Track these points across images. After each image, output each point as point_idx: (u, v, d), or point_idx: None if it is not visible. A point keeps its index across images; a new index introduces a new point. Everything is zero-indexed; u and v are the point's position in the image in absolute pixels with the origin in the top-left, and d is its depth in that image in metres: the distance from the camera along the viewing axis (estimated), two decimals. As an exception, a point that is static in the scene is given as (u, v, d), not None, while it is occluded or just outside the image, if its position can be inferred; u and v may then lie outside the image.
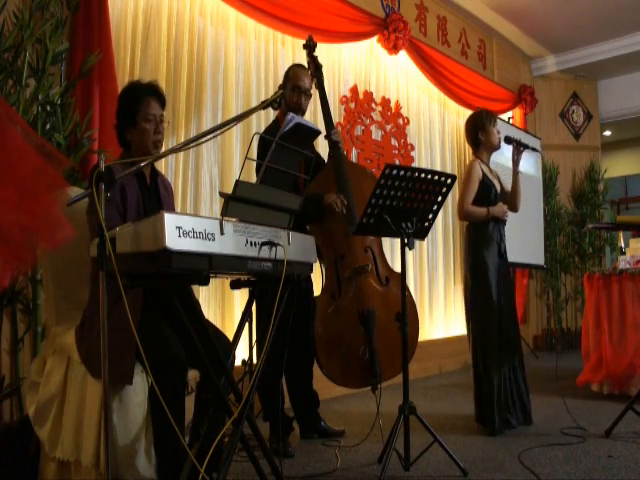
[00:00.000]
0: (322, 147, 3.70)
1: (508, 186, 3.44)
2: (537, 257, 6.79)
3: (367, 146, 5.13)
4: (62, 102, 2.82)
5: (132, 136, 2.21)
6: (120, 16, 3.36)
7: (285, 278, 1.90)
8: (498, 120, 3.51)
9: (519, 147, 3.32)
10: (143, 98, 2.20)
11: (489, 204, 3.26)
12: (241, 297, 3.81)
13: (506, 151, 3.64)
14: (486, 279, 3.20)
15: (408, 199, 2.54)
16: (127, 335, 1.87)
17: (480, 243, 3.26)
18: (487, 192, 3.27)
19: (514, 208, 3.40)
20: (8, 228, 1.56)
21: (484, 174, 3.28)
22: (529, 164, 6.66)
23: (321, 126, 2.93)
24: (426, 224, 2.68)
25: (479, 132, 3.34)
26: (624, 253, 4.38)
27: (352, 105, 4.99)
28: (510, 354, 3.23)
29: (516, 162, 3.34)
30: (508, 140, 3.32)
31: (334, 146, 3.15)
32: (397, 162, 5.40)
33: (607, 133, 8.99)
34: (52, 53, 2.74)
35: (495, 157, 3.57)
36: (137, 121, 2.19)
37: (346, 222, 3.00)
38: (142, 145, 2.20)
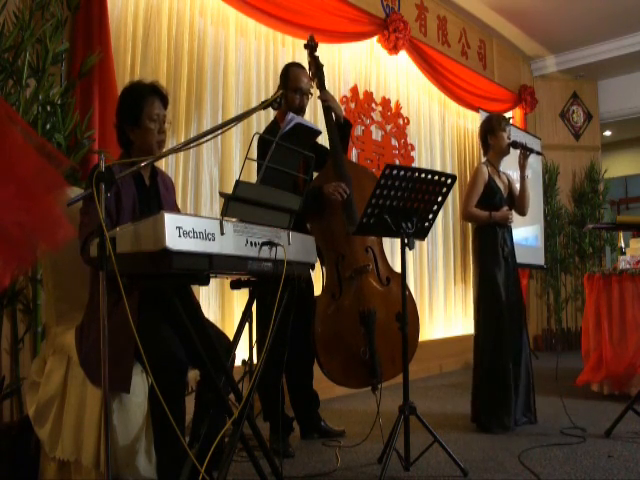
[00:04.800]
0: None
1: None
2: (537, 257, 6.79)
3: (367, 146, 5.13)
4: (62, 102, 2.82)
5: (135, 136, 2.20)
6: (120, 16, 3.36)
7: (285, 278, 1.90)
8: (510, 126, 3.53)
9: (525, 151, 3.35)
10: (147, 97, 2.19)
11: (493, 208, 3.30)
12: (241, 297, 3.80)
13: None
14: (489, 282, 3.25)
15: (408, 199, 2.54)
16: (124, 341, 1.87)
17: (483, 247, 3.32)
18: (492, 196, 3.32)
19: (522, 212, 3.46)
20: (8, 228, 1.56)
21: (490, 177, 3.32)
22: (532, 161, 6.67)
23: (321, 126, 2.93)
24: (426, 224, 2.68)
25: (488, 136, 3.40)
26: (624, 253, 4.38)
27: (352, 105, 4.99)
28: (515, 356, 3.24)
29: (523, 166, 3.38)
30: (515, 145, 3.36)
31: (324, 107, 3.15)
32: (397, 162, 5.40)
33: (607, 133, 8.99)
34: (52, 53, 2.74)
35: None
36: (142, 120, 2.17)
37: (347, 222, 3.00)
38: (146, 145, 2.19)
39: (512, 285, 3.31)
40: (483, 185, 3.30)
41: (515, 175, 3.49)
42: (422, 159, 5.78)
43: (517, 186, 3.48)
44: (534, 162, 6.71)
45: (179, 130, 3.63)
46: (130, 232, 1.64)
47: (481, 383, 3.23)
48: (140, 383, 1.98)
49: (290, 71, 3.03)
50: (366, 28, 4.90)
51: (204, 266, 1.67)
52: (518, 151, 3.38)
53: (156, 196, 2.27)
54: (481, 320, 3.29)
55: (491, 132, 3.38)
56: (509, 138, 3.39)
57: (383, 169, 2.44)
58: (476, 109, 6.24)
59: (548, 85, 7.53)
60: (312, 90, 3.09)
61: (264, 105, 2.03)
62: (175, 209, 2.39)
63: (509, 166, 3.68)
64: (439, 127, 6.11)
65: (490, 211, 3.28)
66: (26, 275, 2.67)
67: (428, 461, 2.67)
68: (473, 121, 6.48)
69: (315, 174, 3.14)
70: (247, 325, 2.26)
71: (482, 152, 3.51)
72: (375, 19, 4.98)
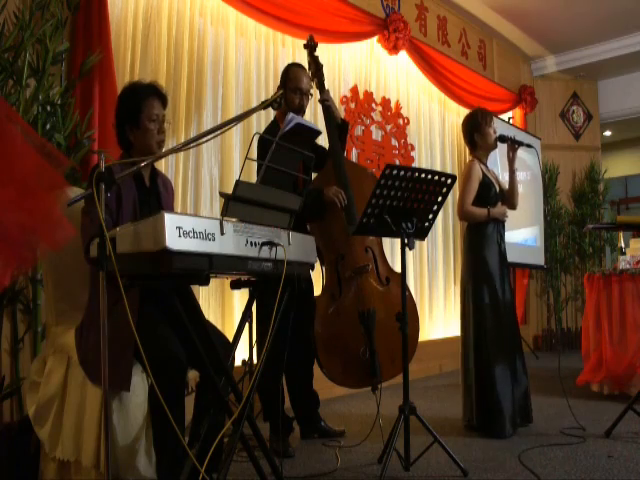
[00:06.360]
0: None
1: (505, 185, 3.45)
2: (537, 257, 6.79)
3: (367, 146, 5.13)
4: (62, 102, 2.82)
5: (135, 136, 2.20)
6: (120, 16, 3.36)
7: (285, 278, 1.90)
8: (495, 119, 3.49)
9: (513, 145, 3.32)
10: (146, 98, 2.19)
11: (489, 204, 3.26)
12: (241, 297, 3.81)
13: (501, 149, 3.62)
14: (488, 279, 3.20)
15: (408, 199, 2.54)
16: (124, 340, 1.87)
17: (480, 243, 3.25)
18: (487, 191, 3.26)
19: (512, 206, 3.41)
20: (8, 228, 1.56)
21: (484, 173, 3.28)
22: (530, 163, 6.68)
23: (321, 127, 2.93)
24: (426, 224, 2.68)
25: (475, 133, 3.34)
26: (624, 253, 4.38)
27: (352, 105, 4.99)
28: (511, 354, 3.22)
29: (512, 160, 3.34)
30: (502, 139, 3.31)
31: (324, 107, 3.16)
32: (397, 162, 5.40)
33: (607, 133, 8.99)
34: (52, 53, 2.75)
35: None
36: (141, 121, 2.17)
37: (346, 222, 3.00)
38: (146, 145, 2.19)
39: (507, 283, 3.29)
40: (478, 182, 3.25)
41: (505, 177, 3.45)
42: (422, 159, 5.78)
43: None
44: (533, 165, 6.71)
45: (179, 130, 3.63)
46: (130, 232, 1.64)
47: (478, 385, 3.17)
48: (140, 383, 1.98)
49: (290, 71, 3.03)
50: (366, 28, 4.90)
51: (204, 266, 1.67)
52: (506, 145, 3.34)
53: (156, 197, 2.27)
54: (479, 318, 3.19)
55: (477, 130, 3.32)
56: (495, 132, 3.35)
57: (383, 169, 2.44)
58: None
59: (548, 85, 7.53)
60: (312, 91, 3.09)
61: (264, 105, 2.03)
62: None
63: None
64: (439, 127, 6.11)
65: (487, 207, 3.24)
66: (26, 275, 2.67)
67: (428, 461, 2.67)
68: (473, 121, 6.47)
69: (314, 174, 3.14)
70: (247, 325, 2.26)
71: (469, 150, 3.45)
72: (375, 19, 4.98)
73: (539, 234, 6.86)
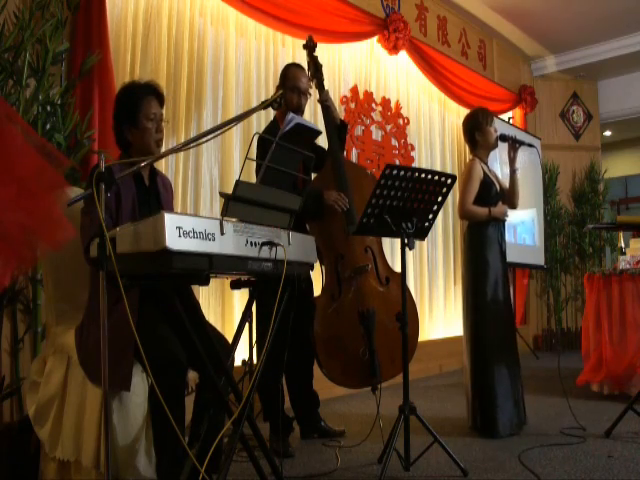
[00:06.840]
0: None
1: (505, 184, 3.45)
2: (537, 257, 6.79)
3: (367, 146, 5.13)
4: (62, 102, 2.83)
5: (133, 136, 2.20)
6: (120, 16, 3.36)
7: (285, 278, 1.90)
8: (495, 119, 3.50)
9: (514, 144, 3.31)
10: (144, 97, 2.19)
11: (490, 203, 3.25)
12: (241, 297, 3.81)
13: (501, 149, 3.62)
14: (488, 278, 3.19)
15: (408, 199, 2.54)
16: (125, 340, 1.87)
17: (481, 243, 3.25)
18: (488, 191, 3.26)
19: (513, 205, 3.40)
20: (9, 227, 1.56)
21: (485, 173, 3.28)
22: (530, 164, 6.67)
23: (320, 127, 2.93)
24: (426, 224, 2.68)
25: (476, 132, 3.34)
26: (624, 253, 4.38)
27: (352, 105, 4.99)
28: (510, 354, 3.22)
29: (512, 159, 3.34)
30: (503, 138, 3.31)
31: (323, 107, 3.18)
32: (397, 162, 5.40)
33: (607, 133, 8.99)
34: (52, 53, 2.74)
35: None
36: (139, 120, 2.17)
37: (346, 222, 3.00)
38: (144, 144, 2.19)
39: (507, 283, 3.29)
40: (479, 181, 3.24)
41: (506, 177, 3.44)
42: (422, 159, 5.78)
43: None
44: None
45: (179, 130, 3.63)
46: (130, 232, 1.64)
47: (476, 384, 3.16)
48: (140, 383, 1.98)
49: (289, 71, 3.04)
50: (366, 28, 4.90)
51: (204, 266, 1.67)
52: (507, 145, 3.33)
53: (156, 196, 2.27)
54: (479, 317, 3.18)
55: (478, 128, 3.32)
56: (496, 131, 3.34)
57: (383, 169, 2.44)
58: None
59: (548, 85, 7.53)
60: (311, 91, 3.09)
61: (264, 105, 2.03)
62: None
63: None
64: (439, 127, 6.11)
65: (488, 207, 3.23)
66: (26, 275, 2.67)
67: (428, 461, 2.67)
68: (473, 121, 6.48)
69: (314, 174, 3.15)
70: (247, 325, 2.26)
71: (469, 149, 3.46)
72: (375, 19, 4.98)
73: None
